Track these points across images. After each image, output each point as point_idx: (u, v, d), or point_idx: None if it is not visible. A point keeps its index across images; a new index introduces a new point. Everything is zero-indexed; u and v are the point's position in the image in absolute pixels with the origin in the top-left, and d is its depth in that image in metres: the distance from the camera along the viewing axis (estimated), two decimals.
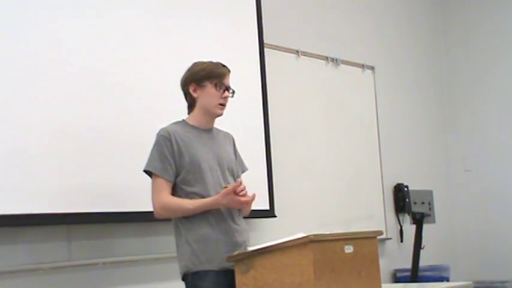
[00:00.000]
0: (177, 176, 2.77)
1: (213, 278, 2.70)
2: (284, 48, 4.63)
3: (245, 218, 2.99)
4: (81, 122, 3.20)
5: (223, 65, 2.88)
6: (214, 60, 2.91)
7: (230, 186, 2.71)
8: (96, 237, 3.30)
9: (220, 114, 2.88)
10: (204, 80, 2.82)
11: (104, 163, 3.26)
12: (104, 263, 3.28)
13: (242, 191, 2.73)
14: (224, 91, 2.83)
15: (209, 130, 2.90)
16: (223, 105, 2.85)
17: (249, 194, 2.78)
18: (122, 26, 3.47)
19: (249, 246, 2.72)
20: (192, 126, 2.86)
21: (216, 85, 2.82)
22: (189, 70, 2.89)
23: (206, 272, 2.70)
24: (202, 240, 2.72)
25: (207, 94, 2.83)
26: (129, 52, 3.47)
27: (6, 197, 2.89)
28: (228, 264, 2.70)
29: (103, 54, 3.35)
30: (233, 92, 2.89)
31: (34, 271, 3.02)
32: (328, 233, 2.57)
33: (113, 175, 3.27)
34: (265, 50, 4.31)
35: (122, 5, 3.49)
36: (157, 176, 2.75)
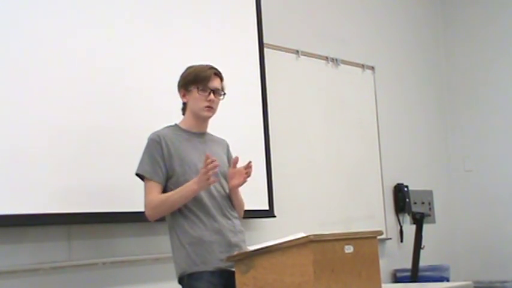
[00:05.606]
0: (168, 178, 2.79)
1: (208, 279, 2.71)
2: (284, 48, 4.63)
3: (243, 218, 3.00)
4: (81, 122, 3.20)
5: (211, 67, 2.87)
6: (207, 63, 2.90)
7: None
8: (96, 237, 3.30)
9: (208, 117, 2.88)
10: (190, 84, 2.84)
11: (104, 163, 3.26)
12: (104, 263, 3.28)
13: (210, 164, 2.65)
14: (209, 94, 2.83)
15: (201, 134, 2.91)
16: (210, 107, 2.85)
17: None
18: (123, 26, 3.47)
19: (247, 246, 2.73)
20: (184, 130, 2.88)
21: (198, 89, 2.82)
22: (181, 75, 2.91)
23: (201, 273, 2.71)
24: (196, 242, 2.73)
25: (193, 98, 2.85)
26: (130, 53, 3.47)
27: (6, 197, 2.89)
28: (223, 265, 2.72)
29: (103, 55, 3.35)
30: (224, 94, 2.90)
31: (34, 271, 3.02)
32: (328, 233, 2.57)
33: (113, 175, 3.27)
34: (265, 50, 4.31)
35: (123, 5, 3.49)
36: (148, 179, 2.78)
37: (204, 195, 2.77)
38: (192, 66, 2.90)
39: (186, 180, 2.74)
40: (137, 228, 3.46)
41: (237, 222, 2.88)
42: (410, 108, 5.88)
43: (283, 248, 2.48)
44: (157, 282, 3.47)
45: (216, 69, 2.89)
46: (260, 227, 4.09)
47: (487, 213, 6.03)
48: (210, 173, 2.64)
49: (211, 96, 2.84)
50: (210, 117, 2.89)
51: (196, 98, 2.84)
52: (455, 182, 6.22)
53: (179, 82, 2.90)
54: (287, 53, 4.66)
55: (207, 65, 2.89)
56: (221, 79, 2.90)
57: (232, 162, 2.87)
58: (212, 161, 2.63)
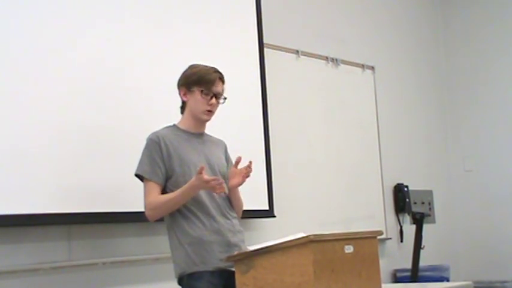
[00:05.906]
0: (168, 179, 2.79)
1: (208, 279, 2.71)
2: (284, 48, 4.63)
3: (243, 218, 3.00)
4: (81, 122, 3.20)
5: (216, 71, 2.86)
6: (211, 64, 2.90)
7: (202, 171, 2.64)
8: (96, 237, 3.30)
9: (207, 120, 2.89)
10: (193, 85, 2.83)
11: (104, 163, 3.26)
12: (104, 263, 3.28)
13: (214, 181, 2.65)
14: (211, 98, 2.83)
15: (199, 134, 2.91)
16: (210, 111, 2.85)
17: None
18: (123, 26, 3.46)
19: (247, 246, 2.73)
20: (182, 130, 2.88)
21: (202, 91, 2.82)
22: (183, 73, 2.89)
23: (201, 273, 2.71)
24: (196, 242, 2.73)
25: (195, 100, 2.84)
26: (129, 53, 3.47)
27: (6, 197, 2.89)
28: (222, 265, 2.72)
29: (103, 55, 3.35)
30: (224, 98, 2.89)
31: (34, 271, 3.02)
32: (328, 233, 2.57)
33: (113, 175, 3.27)
34: (265, 50, 4.31)
35: (123, 5, 3.49)
36: (147, 180, 2.77)
37: (203, 195, 2.77)
38: (197, 66, 2.88)
39: (186, 181, 2.73)
40: (137, 228, 3.46)
41: (236, 222, 2.88)
42: (410, 108, 5.88)
43: (283, 248, 2.48)
44: (157, 282, 3.47)
45: (220, 73, 2.87)
46: (260, 227, 4.09)
47: (487, 213, 6.03)
48: (218, 187, 2.65)
49: (213, 100, 2.83)
50: (208, 120, 2.89)
51: (198, 100, 2.83)
52: (455, 182, 6.22)
53: (180, 80, 2.89)
54: (287, 53, 4.66)
55: (212, 68, 2.87)
56: (223, 83, 2.89)
57: (235, 161, 2.87)
58: (215, 179, 2.64)
